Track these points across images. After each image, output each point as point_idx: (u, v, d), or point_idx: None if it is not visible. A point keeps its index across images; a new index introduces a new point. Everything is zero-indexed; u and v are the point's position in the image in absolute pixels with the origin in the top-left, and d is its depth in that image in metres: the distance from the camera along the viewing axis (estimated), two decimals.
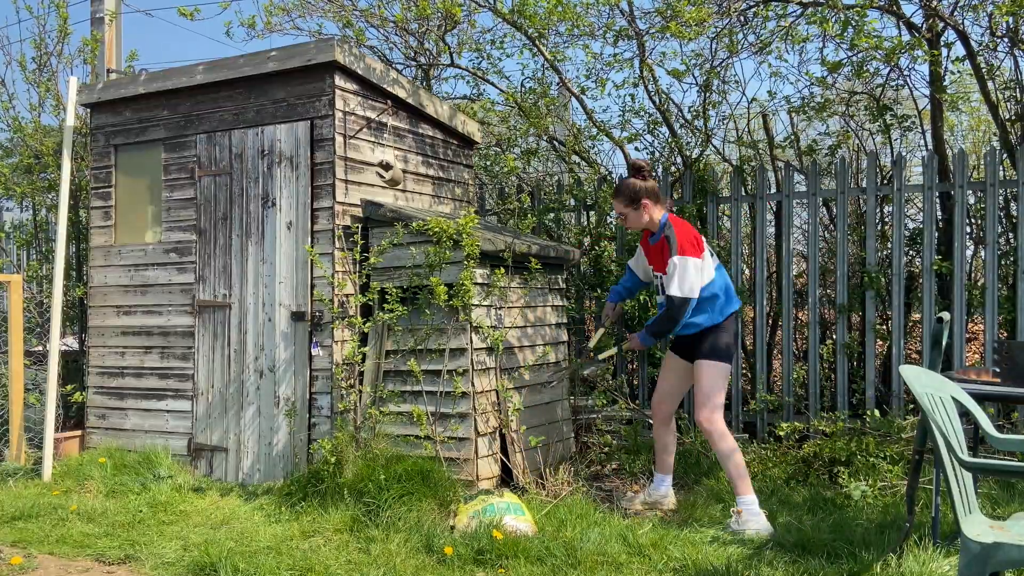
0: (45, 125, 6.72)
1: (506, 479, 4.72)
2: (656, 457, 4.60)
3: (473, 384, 4.57)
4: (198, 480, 5.09)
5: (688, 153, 6.38)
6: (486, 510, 3.95)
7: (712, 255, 4.35)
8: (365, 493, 4.21)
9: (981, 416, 2.69)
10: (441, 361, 4.63)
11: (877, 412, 5.09)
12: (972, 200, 5.69)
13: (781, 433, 5.24)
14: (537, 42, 6.35)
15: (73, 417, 5.96)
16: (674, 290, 4.14)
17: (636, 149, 7.13)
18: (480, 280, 4.69)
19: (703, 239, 4.34)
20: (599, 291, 6.19)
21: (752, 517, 4.08)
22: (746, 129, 7.13)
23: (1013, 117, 5.79)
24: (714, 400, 4.26)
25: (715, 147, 6.81)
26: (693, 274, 4.14)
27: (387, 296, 4.70)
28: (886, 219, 5.99)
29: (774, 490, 4.63)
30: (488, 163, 7.52)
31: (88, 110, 5.88)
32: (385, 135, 5.23)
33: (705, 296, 4.23)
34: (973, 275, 6.20)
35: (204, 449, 5.26)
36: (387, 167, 5.17)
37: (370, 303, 4.84)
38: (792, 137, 6.78)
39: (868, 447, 4.67)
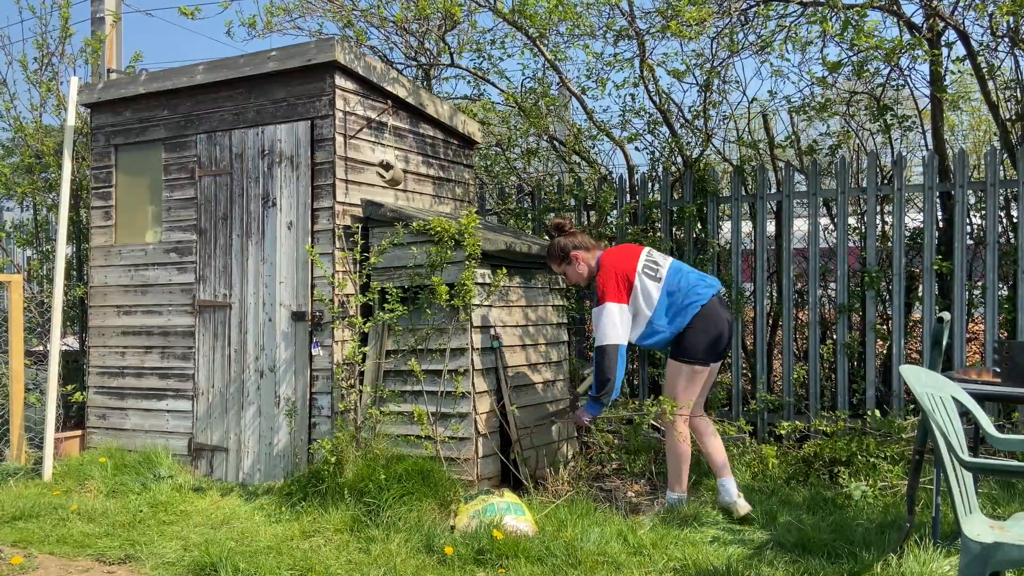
0: (46, 125, 6.72)
1: (507, 478, 4.72)
2: (710, 465, 4.47)
3: (474, 384, 4.57)
4: (198, 480, 5.09)
5: (688, 153, 6.38)
6: (486, 510, 3.95)
7: (655, 271, 4.26)
8: (365, 493, 4.21)
9: (981, 416, 2.69)
10: (442, 361, 4.63)
11: (877, 412, 5.08)
12: (972, 200, 5.68)
13: (781, 433, 5.24)
14: (537, 42, 6.35)
15: (73, 417, 5.96)
16: (597, 341, 4.18)
17: (636, 149, 7.13)
18: (481, 280, 4.69)
19: (636, 262, 4.25)
20: None
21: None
22: (746, 129, 7.12)
23: (1013, 117, 5.79)
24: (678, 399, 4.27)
25: (715, 147, 6.81)
26: (608, 322, 4.12)
27: (387, 296, 4.70)
28: (886, 219, 5.99)
29: (774, 490, 4.63)
30: (488, 163, 7.52)
31: (89, 110, 5.88)
32: (385, 135, 5.23)
33: (659, 319, 4.21)
34: (973, 275, 6.19)
35: (204, 449, 5.26)
36: (387, 167, 5.17)
37: (370, 303, 4.84)
38: (792, 137, 6.77)
39: (868, 447, 4.67)
